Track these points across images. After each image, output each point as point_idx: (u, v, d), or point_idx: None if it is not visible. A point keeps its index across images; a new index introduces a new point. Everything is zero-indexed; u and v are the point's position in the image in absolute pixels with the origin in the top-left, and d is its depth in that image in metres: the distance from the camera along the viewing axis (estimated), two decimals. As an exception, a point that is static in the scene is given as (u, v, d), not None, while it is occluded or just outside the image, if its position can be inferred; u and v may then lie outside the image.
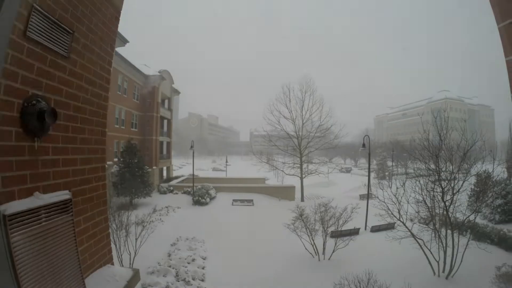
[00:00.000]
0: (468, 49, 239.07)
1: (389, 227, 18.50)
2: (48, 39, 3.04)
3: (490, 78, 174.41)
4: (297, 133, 37.63)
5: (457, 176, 13.50)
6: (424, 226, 14.39)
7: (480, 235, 16.88)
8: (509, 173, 24.67)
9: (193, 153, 36.00)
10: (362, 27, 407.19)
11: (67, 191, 3.44)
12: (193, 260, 15.11)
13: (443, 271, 12.98)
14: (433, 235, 13.77)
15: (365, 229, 20.86)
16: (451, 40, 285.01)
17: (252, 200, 31.06)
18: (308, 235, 15.77)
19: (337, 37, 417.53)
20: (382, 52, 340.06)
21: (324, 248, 15.59)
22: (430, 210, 13.98)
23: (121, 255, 13.18)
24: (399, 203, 14.32)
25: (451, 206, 13.21)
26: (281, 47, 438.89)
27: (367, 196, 23.04)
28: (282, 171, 40.20)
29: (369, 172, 25.98)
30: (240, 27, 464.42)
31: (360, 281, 10.16)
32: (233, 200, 31.09)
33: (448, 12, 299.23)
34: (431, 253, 13.11)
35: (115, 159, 30.30)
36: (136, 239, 13.68)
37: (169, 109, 45.50)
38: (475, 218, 13.72)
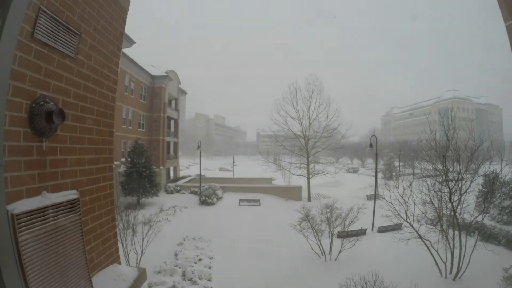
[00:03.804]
0: (476, 48, 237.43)
1: (396, 228, 18.39)
2: (56, 40, 3.08)
3: (498, 77, 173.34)
4: (304, 133, 37.44)
5: (464, 177, 13.38)
6: (431, 227, 14.28)
7: (487, 236, 16.75)
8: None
9: (200, 153, 36.11)
10: (369, 26, 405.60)
11: (74, 191, 3.48)
12: (200, 259, 15.15)
13: (450, 273, 12.89)
14: (440, 236, 13.67)
15: (372, 229, 20.75)
16: (458, 39, 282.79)
17: (259, 200, 31.04)
18: (314, 235, 15.74)
19: (343, 37, 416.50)
20: (388, 51, 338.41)
21: (330, 249, 15.55)
22: (438, 211, 13.87)
23: (128, 255, 13.25)
24: (406, 204, 14.23)
25: (459, 206, 13.09)
26: (286, 48, 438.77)
27: (374, 197, 22.92)
28: (289, 171, 40.05)
29: (376, 172, 25.81)
30: (243, 27, 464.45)
31: (367, 281, 10.12)
32: (240, 200, 31.10)
33: (455, 11, 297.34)
34: (438, 254, 13.03)
35: (122, 159, 30.51)
36: (143, 238, 13.75)
37: (176, 109, 45.64)
38: (482, 219, 13.56)
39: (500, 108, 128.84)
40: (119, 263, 4.65)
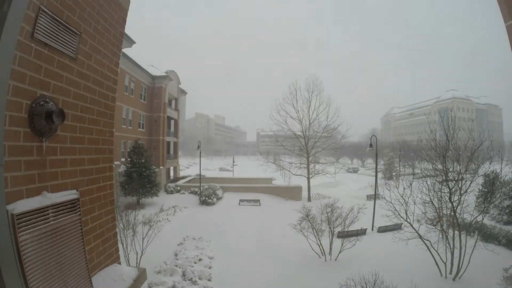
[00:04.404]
0: (476, 48, 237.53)
1: (396, 227, 18.38)
2: (56, 40, 3.08)
3: (498, 77, 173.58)
4: (304, 133, 37.43)
5: (464, 177, 13.37)
6: (431, 227, 14.25)
7: (487, 236, 16.74)
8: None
9: (200, 153, 36.10)
10: (369, 26, 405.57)
11: (74, 191, 3.48)
12: (200, 259, 15.13)
13: (450, 273, 12.87)
14: (440, 236, 13.65)
15: (372, 229, 20.74)
16: (458, 39, 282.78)
17: (259, 200, 31.01)
18: (314, 235, 15.73)
19: (343, 37, 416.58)
20: (389, 51, 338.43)
21: (330, 249, 15.54)
22: (438, 211, 13.85)
23: (128, 255, 13.24)
24: (406, 204, 14.21)
25: (459, 206, 13.07)
26: (285, 48, 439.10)
27: (374, 197, 22.90)
28: (289, 171, 40.04)
29: (376, 172, 25.78)
30: (243, 27, 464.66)
31: (367, 281, 10.11)
32: (240, 200, 31.07)
33: (455, 11, 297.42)
34: (438, 254, 13.01)
35: (122, 159, 30.52)
36: (143, 238, 13.74)
37: (176, 109, 45.65)
38: (482, 219, 13.54)
39: (500, 108, 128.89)
40: (119, 263, 4.65)
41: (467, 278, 12.40)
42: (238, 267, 14.59)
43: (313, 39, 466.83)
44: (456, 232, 13.08)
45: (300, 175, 38.22)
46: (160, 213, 21.90)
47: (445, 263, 12.87)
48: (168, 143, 42.12)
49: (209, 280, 13.38)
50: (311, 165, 38.05)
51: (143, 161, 28.68)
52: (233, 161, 64.78)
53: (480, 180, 15.82)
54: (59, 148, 3.25)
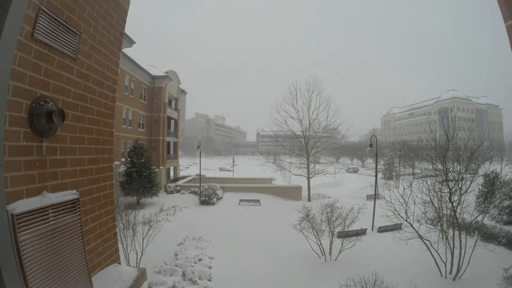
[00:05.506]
0: (476, 48, 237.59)
1: (396, 227, 18.36)
2: (56, 40, 3.08)
3: (498, 77, 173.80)
4: (304, 133, 37.44)
5: (464, 177, 13.36)
6: (431, 227, 14.23)
7: (487, 236, 16.72)
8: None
9: (200, 153, 36.12)
10: (369, 26, 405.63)
11: (74, 191, 3.48)
12: (200, 259, 15.11)
13: (450, 273, 12.86)
14: (440, 236, 13.64)
15: (372, 229, 20.73)
16: (458, 39, 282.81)
17: (259, 200, 30.98)
18: (314, 235, 15.72)
19: (344, 37, 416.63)
20: (388, 51, 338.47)
21: (330, 249, 15.53)
22: (438, 210, 13.84)
23: (128, 255, 13.23)
24: (406, 204, 14.20)
25: (459, 206, 13.05)
26: (285, 47, 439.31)
27: (374, 197, 22.88)
28: (289, 171, 40.10)
29: (376, 172, 25.75)
30: (243, 27, 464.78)
31: (367, 281, 10.10)
32: (240, 200, 31.04)
33: (455, 11, 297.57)
34: (438, 254, 13.00)
35: (122, 159, 30.50)
36: (143, 238, 13.73)
37: (176, 109, 45.63)
38: (482, 219, 13.53)
39: (500, 108, 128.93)
40: (119, 263, 4.65)
41: (467, 278, 12.39)
42: (238, 267, 14.58)
43: (313, 38, 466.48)
44: (456, 232, 13.06)
45: (300, 175, 38.25)
46: (160, 213, 21.87)
47: (445, 263, 12.87)
48: (168, 143, 42.08)
49: (209, 280, 13.37)
50: (311, 165, 38.06)
51: (143, 161, 28.68)
52: (233, 161, 64.82)
53: (480, 180, 15.81)
54: (59, 148, 3.25)
